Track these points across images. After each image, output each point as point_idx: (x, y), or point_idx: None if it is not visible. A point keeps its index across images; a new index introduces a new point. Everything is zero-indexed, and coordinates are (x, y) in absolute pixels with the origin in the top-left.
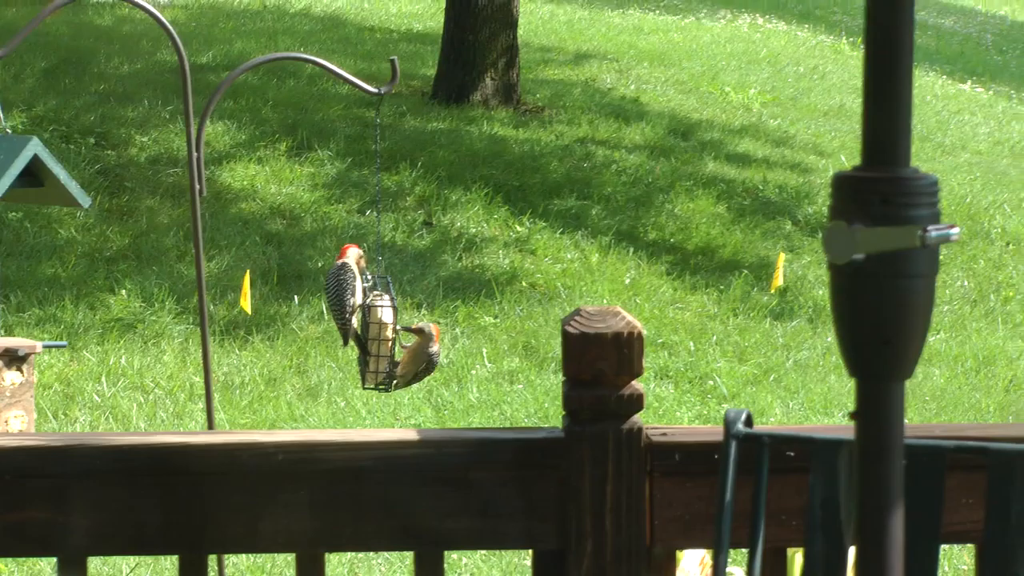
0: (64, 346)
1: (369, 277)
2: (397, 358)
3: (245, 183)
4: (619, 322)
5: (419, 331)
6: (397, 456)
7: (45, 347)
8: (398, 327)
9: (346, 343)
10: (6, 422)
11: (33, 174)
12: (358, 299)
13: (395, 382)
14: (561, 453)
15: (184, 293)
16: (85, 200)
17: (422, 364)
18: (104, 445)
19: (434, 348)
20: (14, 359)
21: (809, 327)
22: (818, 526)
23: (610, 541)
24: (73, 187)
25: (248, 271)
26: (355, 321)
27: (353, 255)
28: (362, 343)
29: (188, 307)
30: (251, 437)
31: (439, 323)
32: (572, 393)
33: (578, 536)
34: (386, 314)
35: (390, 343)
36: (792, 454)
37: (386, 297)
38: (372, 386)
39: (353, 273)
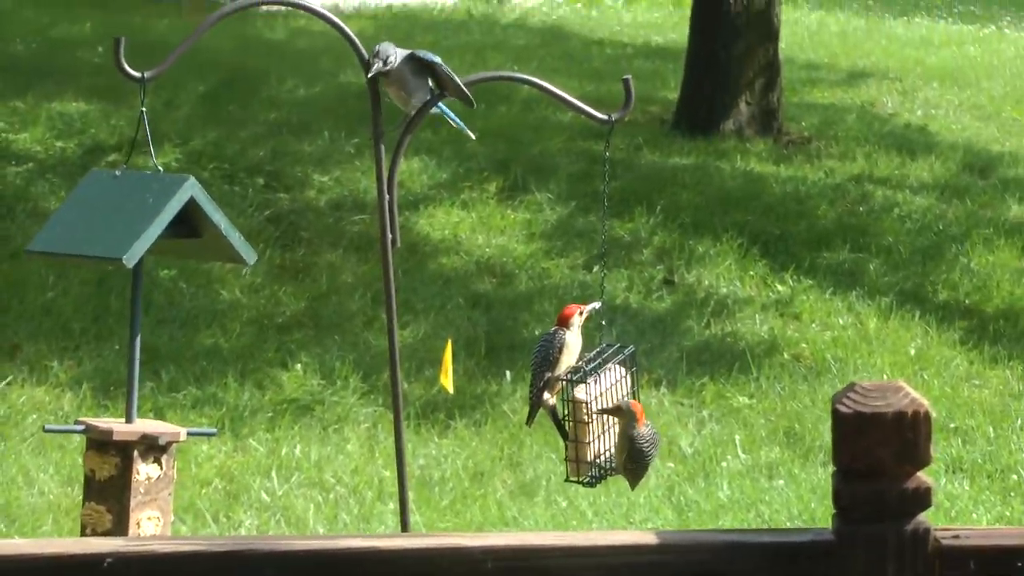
0: (213, 434)
1: (604, 346)
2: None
3: (446, 232)
4: (902, 400)
5: (616, 411)
6: (630, 564)
7: (191, 435)
8: (593, 408)
9: (528, 423)
10: (138, 524)
11: (188, 222)
12: (559, 371)
13: (603, 473)
14: (830, 560)
15: (372, 368)
16: (250, 255)
17: (624, 452)
18: (277, 551)
19: (637, 431)
20: (152, 448)
21: None
22: None
23: None
24: (235, 239)
25: (450, 341)
26: (554, 399)
27: (576, 320)
28: (560, 426)
29: (377, 385)
30: (454, 541)
31: (682, 404)
32: (844, 486)
33: None
34: (580, 391)
35: (588, 427)
36: None
37: (609, 373)
38: (575, 479)
39: (562, 342)
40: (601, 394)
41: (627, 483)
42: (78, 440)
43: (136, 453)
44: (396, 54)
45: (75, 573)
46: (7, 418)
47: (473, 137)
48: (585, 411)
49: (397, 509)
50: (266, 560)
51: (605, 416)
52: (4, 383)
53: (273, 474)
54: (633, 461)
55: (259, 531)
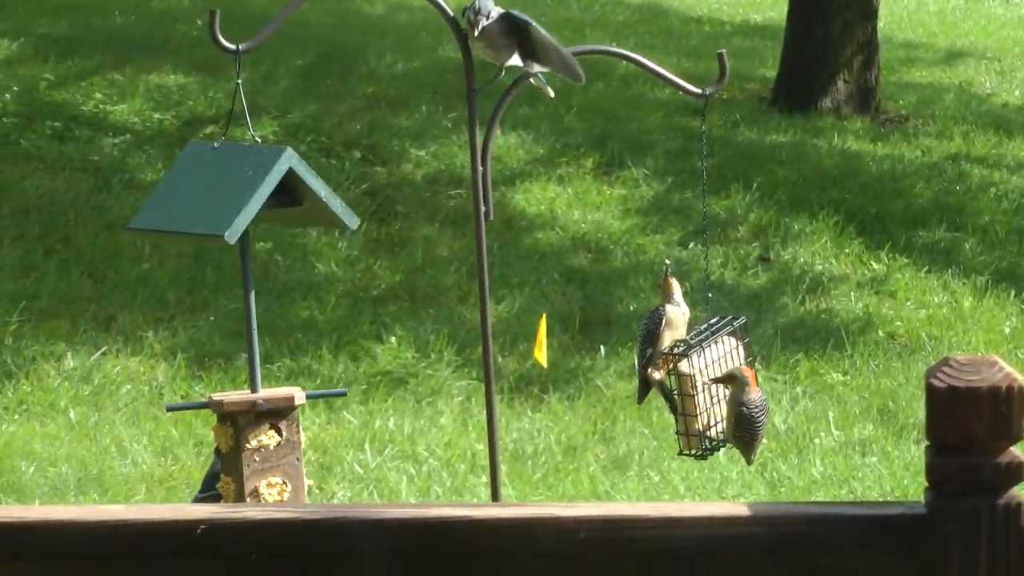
0: (343, 394)
1: (715, 319)
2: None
3: (542, 208)
4: (997, 374)
5: (729, 378)
6: (724, 535)
7: (313, 397)
8: (699, 380)
9: (638, 400)
10: (257, 493)
11: (289, 191)
12: (663, 345)
13: (716, 445)
14: (923, 533)
15: (467, 342)
16: (352, 220)
17: (733, 419)
18: (370, 519)
19: (750, 396)
20: (264, 415)
21: None
22: None
23: None
24: (336, 205)
25: (545, 315)
26: (660, 374)
27: (676, 292)
28: (669, 400)
29: (471, 359)
30: (548, 511)
31: (776, 380)
32: (937, 460)
33: None
34: (685, 365)
35: (696, 398)
36: None
37: (719, 345)
38: (688, 452)
39: (661, 317)
40: (708, 366)
41: (740, 455)
42: (170, 413)
43: (244, 422)
44: (493, 11)
45: (168, 540)
46: (101, 388)
47: (551, 94)
48: (691, 384)
49: (489, 482)
50: (359, 528)
51: (714, 388)
52: (99, 353)
53: (366, 446)
54: (742, 429)
55: (352, 503)
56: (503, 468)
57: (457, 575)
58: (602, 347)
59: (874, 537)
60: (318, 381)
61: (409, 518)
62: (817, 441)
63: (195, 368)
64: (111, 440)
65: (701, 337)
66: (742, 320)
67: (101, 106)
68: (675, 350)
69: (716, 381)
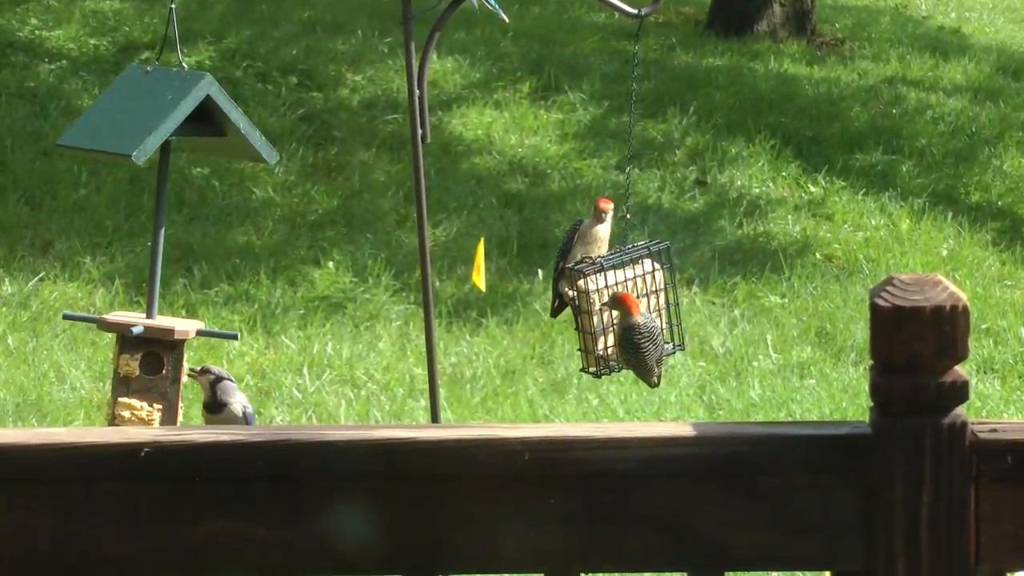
0: (234, 337)
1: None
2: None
3: (479, 132)
4: (940, 294)
5: (612, 302)
6: (667, 456)
7: (203, 334)
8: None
9: (552, 314)
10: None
11: (213, 121)
12: (572, 261)
13: (613, 367)
14: (867, 453)
15: (404, 266)
16: (272, 155)
17: (616, 343)
18: (313, 440)
19: (631, 321)
20: (144, 342)
21: None
22: None
23: (926, 562)
24: (256, 138)
25: (482, 239)
26: (569, 290)
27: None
28: (576, 316)
29: (409, 283)
30: (491, 432)
31: (714, 304)
32: (882, 380)
33: (887, 555)
34: (589, 282)
35: (593, 317)
36: None
37: (635, 267)
38: (587, 368)
39: (575, 231)
40: (613, 285)
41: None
42: (110, 337)
43: (126, 345)
44: None
45: (112, 463)
46: (39, 314)
47: (507, 20)
48: (587, 302)
49: (428, 406)
50: (302, 450)
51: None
52: (36, 279)
53: (305, 371)
54: (626, 353)
55: (294, 424)
56: (442, 392)
57: (401, 496)
58: (539, 271)
59: (818, 457)
60: (255, 306)
61: (354, 439)
62: (756, 364)
63: (133, 293)
64: (49, 366)
65: (612, 257)
66: (663, 244)
67: (37, 32)
68: (581, 266)
69: (604, 305)
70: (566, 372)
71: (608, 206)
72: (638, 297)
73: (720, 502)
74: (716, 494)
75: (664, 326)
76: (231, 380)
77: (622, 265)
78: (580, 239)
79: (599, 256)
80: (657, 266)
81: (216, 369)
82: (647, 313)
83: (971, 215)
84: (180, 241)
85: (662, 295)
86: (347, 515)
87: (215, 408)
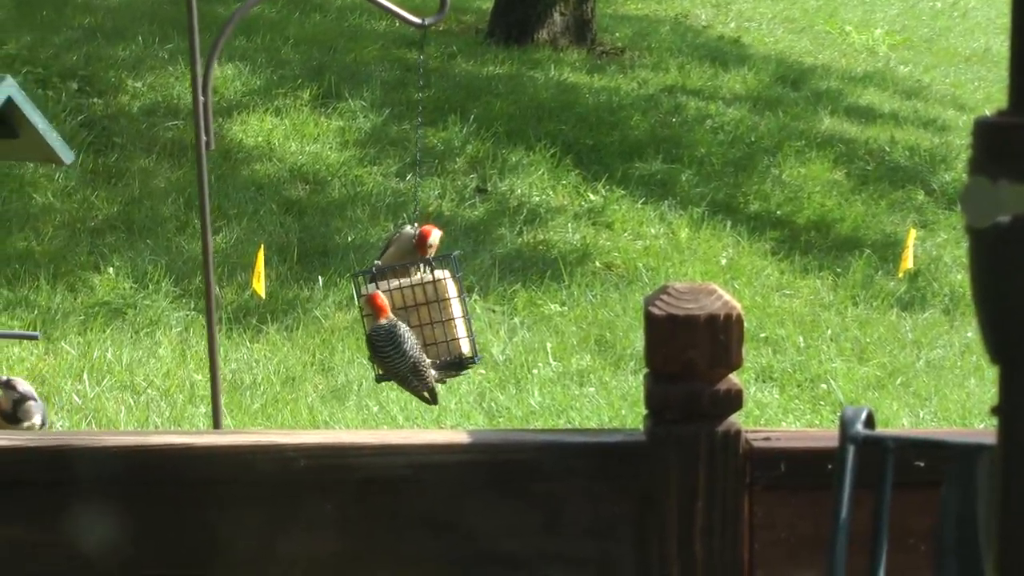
0: (35, 337)
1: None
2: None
3: (260, 139)
4: (715, 302)
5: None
6: (443, 463)
7: (3, 336)
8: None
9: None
10: None
11: (5, 123)
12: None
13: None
14: (642, 460)
15: (185, 272)
16: (68, 155)
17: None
18: (89, 446)
19: (376, 322)
20: None
21: (945, 319)
22: (951, 551)
23: (700, 568)
24: (53, 139)
25: (262, 246)
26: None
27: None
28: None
29: (189, 289)
30: (267, 438)
31: (494, 311)
32: (656, 388)
33: (661, 562)
34: (373, 286)
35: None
36: (922, 464)
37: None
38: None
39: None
40: (390, 290)
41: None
42: None
43: None
44: None
45: None
46: None
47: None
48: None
49: (209, 412)
50: (78, 455)
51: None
52: None
53: (85, 377)
54: (373, 354)
55: (71, 430)
56: (223, 398)
57: (177, 502)
58: (320, 278)
59: (594, 464)
60: (35, 312)
61: (130, 445)
62: (535, 371)
63: None
64: None
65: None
66: (455, 253)
67: None
68: (364, 270)
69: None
70: (346, 379)
71: (434, 239)
72: (418, 305)
73: (495, 506)
74: (491, 499)
75: (460, 336)
76: (36, 400)
77: (407, 271)
78: (394, 242)
79: (377, 262)
80: (447, 274)
81: (22, 386)
82: (393, 317)
83: (750, 224)
84: None
85: (452, 304)
86: (125, 520)
87: (13, 420)
